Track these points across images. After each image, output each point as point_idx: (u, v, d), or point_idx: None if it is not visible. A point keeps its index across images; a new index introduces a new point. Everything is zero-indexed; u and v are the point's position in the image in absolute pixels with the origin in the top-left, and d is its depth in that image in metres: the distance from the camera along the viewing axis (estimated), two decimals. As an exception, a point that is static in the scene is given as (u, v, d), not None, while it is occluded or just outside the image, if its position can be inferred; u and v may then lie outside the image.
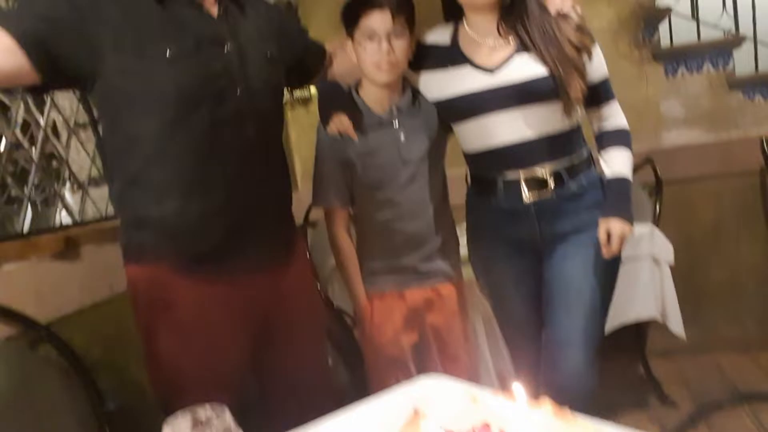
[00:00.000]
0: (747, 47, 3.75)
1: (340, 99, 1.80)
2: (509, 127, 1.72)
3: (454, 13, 1.82)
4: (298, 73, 1.76)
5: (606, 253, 1.73)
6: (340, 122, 1.76)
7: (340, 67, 1.86)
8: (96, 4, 1.35)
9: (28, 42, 1.28)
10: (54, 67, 1.32)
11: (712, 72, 3.60)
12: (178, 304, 1.46)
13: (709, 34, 3.80)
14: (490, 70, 1.72)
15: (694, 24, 3.81)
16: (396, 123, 1.81)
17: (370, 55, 1.72)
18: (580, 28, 1.75)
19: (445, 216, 1.91)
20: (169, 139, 1.42)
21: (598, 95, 1.80)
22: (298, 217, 2.63)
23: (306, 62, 1.79)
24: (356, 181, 1.83)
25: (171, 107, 1.40)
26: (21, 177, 2.43)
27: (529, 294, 1.87)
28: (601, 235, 1.73)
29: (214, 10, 1.47)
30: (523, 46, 1.71)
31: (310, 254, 2.82)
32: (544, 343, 1.84)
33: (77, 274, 2.04)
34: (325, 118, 1.81)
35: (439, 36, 1.85)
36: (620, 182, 1.78)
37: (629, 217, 1.75)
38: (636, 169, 3.41)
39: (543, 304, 1.85)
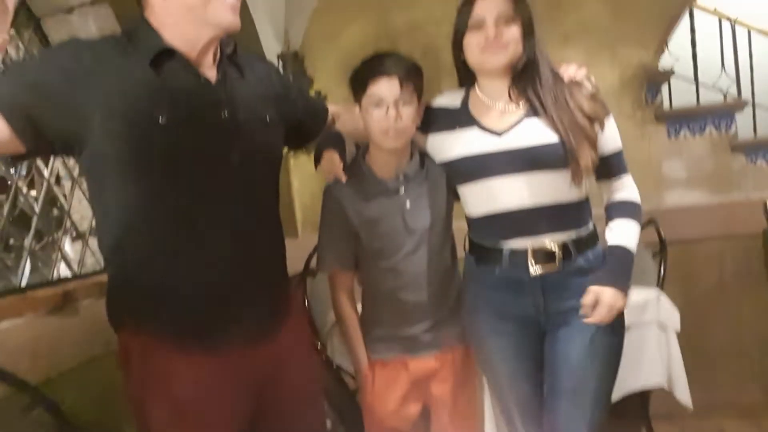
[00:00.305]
0: (749, 110, 3.79)
1: (337, 144, 1.77)
2: (515, 193, 1.69)
3: (467, 79, 1.82)
4: (298, 134, 1.73)
5: (589, 318, 1.66)
6: (331, 162, 1.72)
7: (343, 129, 1.85)
8: (88, 70, 1.31)
9: (13, 114, 1.24)
10: (39, 137, 1.28)
11: (714, 134, 3.64)
12: (171, 377, 1.39)
13: (709, 96, 3.84)
14: (498, 133, 1.71)
15: (695, 85, 3.85)
16: (402, 190, 1.77)
17: (377, 121, 1.69)
18: (594, 98, 1.73)
19: (452, 283, 1.87)
20: (158, 206, 1.37)
21: (610, 168, 1.76)
22: (298, 265, 2.60)
23: (307, 124, 1.76)
24: (360, 247, 1.81)
25: (161, 175, 1.36)
26: (21, 222, 2.40)
27: (530, 374, 1.78)
28: (587, 300, 1.66)
29: (212, 75, 1.43)
30: (533, 111, 1.69)
31: (309, 304, 2.79)
32: (546, 429, 1.77)
33: (74, 329, 2.00)
34: (317, 160, 1.78)
35: (449, 100, 1.84)
36: (622, 251, 1.71)
37: (625, 289, 1.68)
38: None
39: (545, 387, 1.77)
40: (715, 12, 3.97)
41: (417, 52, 3.85)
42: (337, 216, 1.78)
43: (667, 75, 3.72)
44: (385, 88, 1.66)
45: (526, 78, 1.71)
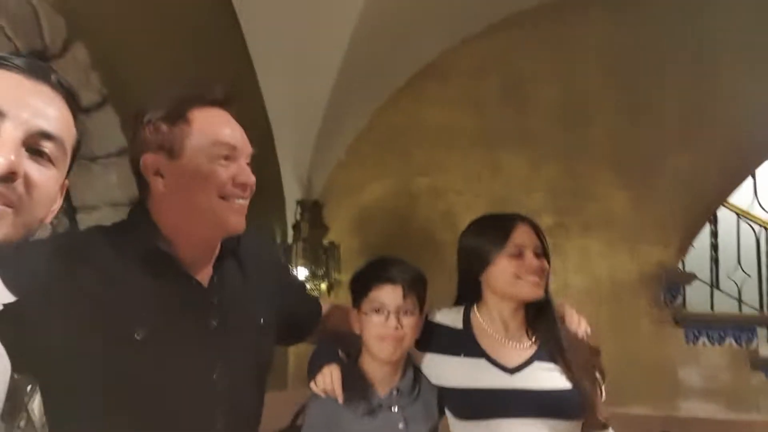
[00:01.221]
0: None
1: (336, 358, 1.62)
2: None
3: (469, 297, 1.72)
4: (288, 332, 1.59)
5: None
6: (330, 378, 1.57)
7: (336, 329, 1.73)
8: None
9: None
10: None
11: (734, 346, 3.45)
12: None
13: (727, 302, 3.73)
14: (509, 370, 1.59)
15: (715, 290, 3.75)
16: (395, 408, 1.62)
17: (375, 327, 1.58)
18: (596, 354, 1.64)
19: None
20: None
21: None
22: (285, 419, 2.36)
23: (300, 321, 1.65)
24: None
25: (130, 397, 1.20)
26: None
27: None
28: None
29: (207, 275, 1.32)
30: (545, 353, 1.61)
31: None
32: None
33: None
34: (311, 371, 1.62)
35: (450, 318, 1.73)
36: None
37: None
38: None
39: None
40: (749, 216, 3.97)
41: (436, 215, 4.00)
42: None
43: (689, 278, 3.64)
44: (389, 295, 1.58)
45: (541, 316, 1.63)
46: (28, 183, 0.84)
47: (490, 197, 3.87)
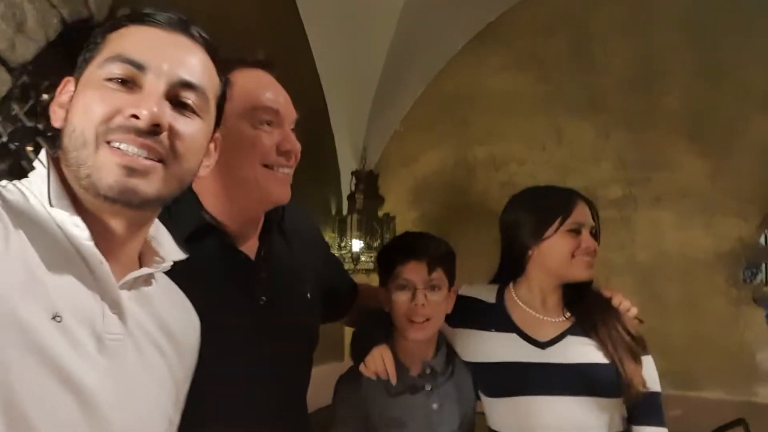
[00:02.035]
0: None
1: (388, 337, 1.56)
2: (555, 416, 1.50)
3: (511, 273, 1.65)
4: (329, 308, 1.53)
5: None
6: (380, 359, 1.50)
7: (367, 307, 1.66)
8: None
9: None
10: None
11: (821, 328, 3.19)
12: None
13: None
14: (540, 344, 1.56)
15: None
16: (429, 386, 1.55)
17: (402, 305, 1.53)
18: (637, 329, 1.57)
19: None
20: None
21: (644, 413, 1.54)
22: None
23: (338, 299, 1.60)
24: None
25: None
26: None
27: None
28: None
29: (253, 247, 1.27)
30: (579, 328, 1.57)
31: None
32: None
33: None
34: (358, 353, 1.55)
35: (481, 292, 1.68)
36: None
37: None
38: (725, 429, 3.00)
39: None
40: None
41: (495, 186, 3.84)
42: (355, 415, 1.52)
43: (770, 254, 3.36)
44: (413, 271, 1.54)
45: (580, 292, 1.59)
46: (174, 135, 0.83)
47: (553, 167, 3.68)
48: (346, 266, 3.71)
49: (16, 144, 2.03)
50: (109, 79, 0.81)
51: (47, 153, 0.85)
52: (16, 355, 0.71)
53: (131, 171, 0.80)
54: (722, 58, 3.43)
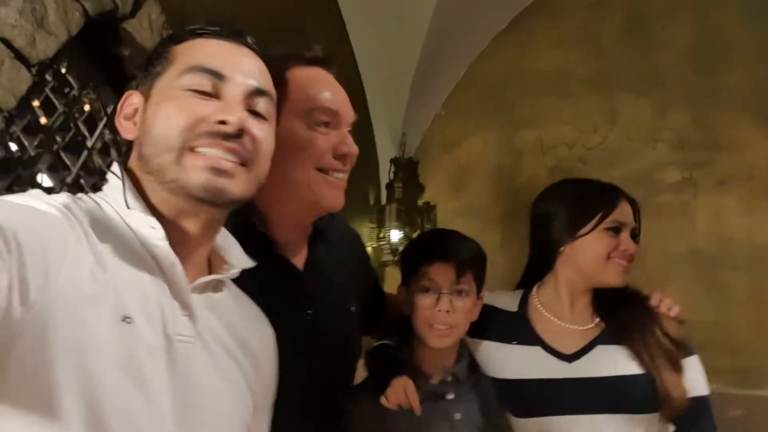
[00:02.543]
0: None
1: (407, 368, 1.46)
2: None
3: (539, 274, 1.55)
4: (364, 322, 1.47)
5: None
6: (403, 392, 1.38)
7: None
8: None
9: None
10: None
11: None
12: None
13: None
14: (566, 357, 1.45)
15: None
16: (451, 395, 1.44)
17: (424, 310, 1.43)
18: (680, 329, 1.45)
19: None
20: None
21: (692, 418, 1.40)
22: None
23: (373, 310, 1.54)
24: None
25: None
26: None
27: None
28: None
29: (302, 257, 1.25)
30: (609, 336, 1.45)
31: None
32: None
33: None
34: (377, 384, 1.43)
35: (502, 300, 1.57)
36: None
37: None
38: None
39: None
40: None
41: (543, 171, 3.65)
42: (373, 426, 1.43)
43: None
44: (440, 273, 1.43)
45: (611, 296, 1.47)
46: (253, 140, 0.89)
47: (606, 150, 3.48)
48: (385, 258, 3.60)
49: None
50: (189, 89, 0.87)
51: (118, 164, 0.90)
52: (89, 357, 0.73)
53: (219, 172, 0.86)
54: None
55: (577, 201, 1.48)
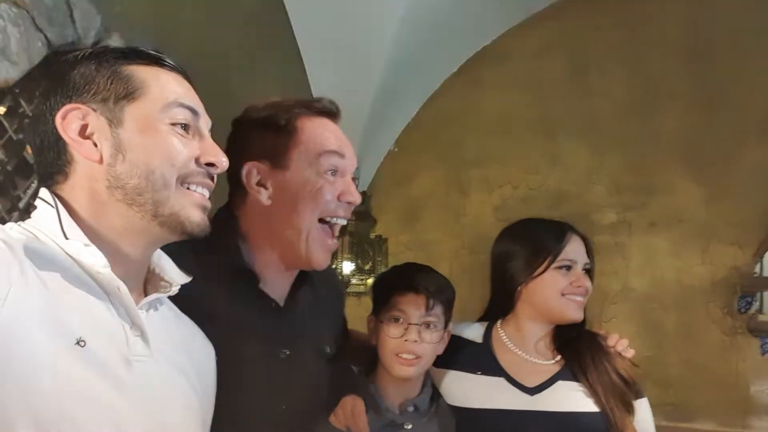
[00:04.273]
0: None
1: (358, 387, 1.48)
2: None
3: (500, 311, 1.59)
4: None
5: None
6: (353, 411, 1.40)
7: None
8: None
9: None
10: None
11: (817, 361, 3.15)
12: None
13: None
14: (529, 390, 1.48)
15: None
16: (409, 426, 1.46)
17: (392, 340, 1.45)
18: (632, 368, 1.52)
19: None
20: None
21: None
22: None
23: (340, 347, 1.55)
24: None
25: None
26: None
27: None
28: None
29: (283, 293, 1.26)
30: (569, 372, 1.50)
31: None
32: None
33: None
34: (331, 404, 1.46)
35: (468, 331, 1.61)
36: None
37: None
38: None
39: None
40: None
41: (488, 209, 3.80)
42: None
43: (766, 284, 3.32)
44: (410, 304, 1.46)
45: (572, 332, 1.53)
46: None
47: (547, 191, 3.65)
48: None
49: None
50: (174, 124, 0.88)
51: (49, 190, 0.87)
52: (43, 382, 0.73)
53: (204, 209, 0.91)
54: (719, 84, 3.41)
55: (530, 243, 1.53)
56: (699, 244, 3.39)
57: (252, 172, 1.18)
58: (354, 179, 1.26)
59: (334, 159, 1.19)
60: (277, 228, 1.18)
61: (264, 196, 1.18)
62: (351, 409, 1.40)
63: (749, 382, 3.20)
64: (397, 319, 1.46)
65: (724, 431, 3.11)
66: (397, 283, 1.49)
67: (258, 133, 1.20)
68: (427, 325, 1.46)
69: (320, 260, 1.21)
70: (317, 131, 1.20)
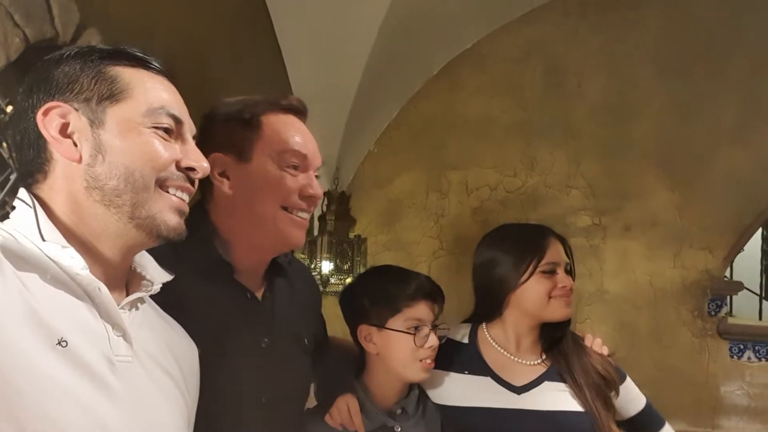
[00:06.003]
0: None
1: (353, 387, 1.51)
2: None
3: (486, 315, 1.61)
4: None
5: None
6: (347, 410, 1.42)
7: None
8: None
9: None
10: None
11: (784, 363, 3.23)
12: None
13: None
14: (516, 389, 1.51)
15: (765, 301, 3.51)
16: (398, 428, 1.49)
17: (411, 347, 1.47)
18: (609, 362, 1.57)
19: None
20: None
21: (645, 426, 1.60)
22: None
23: (319, 347, 1.55)
24: None
25: None
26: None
27: None
28: None
29: (260, 286, 1.28)
30: (555, 373, 1.53)
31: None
32: None
33: None
34: (324, 401, 1.48)
35: (457, 332, 1.64)
36: None
37: None
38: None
39: None
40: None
41: (467, 210, 3.84)
42: None
43: (736, 287, 3.41)
44: (425, 310, 1.50)
45: (556, 333, 1.56)
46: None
47: (524, 194, 3.69)
48: (315, 288, 3.65)
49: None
50: (156, 127, 0.87)
51: (28, 190, 0.86)
52: (24, 383, 0.72)
53: (182, 214, 0.90)
54: (693, 92, 3.49)
55: (513, 249, 1.55)
56: (671, 248, 3.46)
57: (216, 162, 1.19)
58: (317, 176, 1.27)
59: (297, 155, 1.22)
60: (243, 218, 1.21)
61: (225, 186, 1.21)
62: (346, 407, 1.43)
63: (719, 384, 3.27)
64: (416, 327, 1.47)
65: (694, 431, 3.17)
66: (412, 291, 1.50)
67: (224, 127, 1.23)
68: (434, 326, 1.50)
69: (295, 236, 1.23)
70: (281, 127, 1.23)
